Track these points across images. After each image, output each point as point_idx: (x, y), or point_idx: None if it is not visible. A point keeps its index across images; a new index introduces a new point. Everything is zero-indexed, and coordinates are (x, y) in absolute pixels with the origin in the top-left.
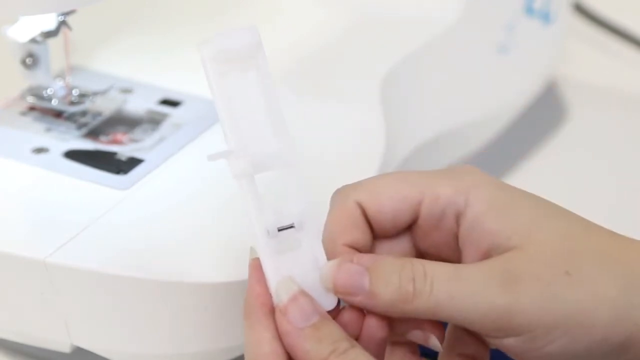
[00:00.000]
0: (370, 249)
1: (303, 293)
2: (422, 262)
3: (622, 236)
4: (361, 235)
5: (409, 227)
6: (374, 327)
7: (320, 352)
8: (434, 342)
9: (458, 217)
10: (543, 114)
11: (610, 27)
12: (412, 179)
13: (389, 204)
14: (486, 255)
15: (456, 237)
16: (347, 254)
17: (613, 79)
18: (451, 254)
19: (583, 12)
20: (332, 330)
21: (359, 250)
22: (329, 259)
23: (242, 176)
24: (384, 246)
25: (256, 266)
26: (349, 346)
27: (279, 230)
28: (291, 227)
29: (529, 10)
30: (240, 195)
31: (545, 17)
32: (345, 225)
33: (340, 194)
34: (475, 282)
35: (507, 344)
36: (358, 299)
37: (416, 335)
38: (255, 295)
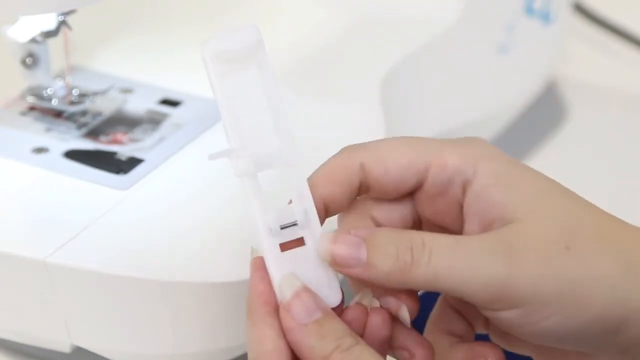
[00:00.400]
0: (343, 209)
1: (306, 289)
2: (420, 234)
3: (621, 220)
4: (340, 192)
5: (412, 194)
6: (377, 326)
7: (324, 348)
8: (404, 314)
9: (465, 187)
10: (543, 114)
11: (610, 27)
12: (420, 144)
13: (395, 167)
14: (489, 226)
15: (460, 206)
16: (344, 228)
17: (613, 79)
18: (452, 223)
19: (583, 12)
20: (336, 326)
21: (332, 207)
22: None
23: (244, 175)
24: (383, 209)
25: (258, 265)
26: (353, 342)
27: (282, 227)
28: (294, 224)
29: (529, 10)
30: (242, 194)
31: (545, 17)
32: (330, 178)
33: (345, 150)
34: (475, 253)
35: (504, 317)
36: (355, 271)
37: (389, 303)
38: (258, 294)
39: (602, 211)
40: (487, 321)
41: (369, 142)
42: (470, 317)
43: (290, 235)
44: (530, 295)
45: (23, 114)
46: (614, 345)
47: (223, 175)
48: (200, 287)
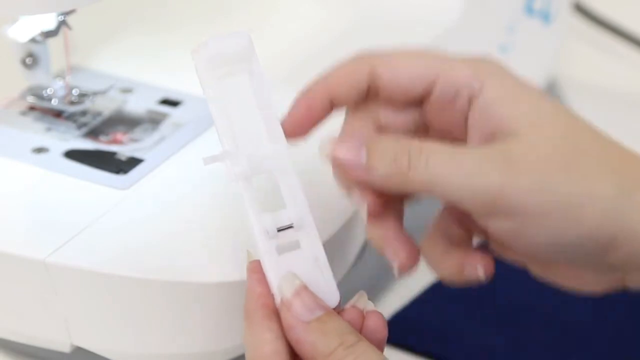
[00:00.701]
0: (348, 104)
1: (306, 288)
2: (419, 141)
3: (624, 146)
4: (346, 89)
5: (419, 103)
6: (374, 328)
7: (327, 344)
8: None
9: (471, 99)
10: None
11: (610, 27)
12: (432, 56)
13: (405, 75)
14: (491, 138)
15: (466, 117)
16: (348, 129)
17: (613, 79)
18: (457, 134)
19: (583, 12)
20: (339, 323)
21: (336, 102)
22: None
23: (239, 178)
24: (389, 114)
25: (255, 268)
26: (356, 340)
27: (278, 230)
28: (290, 227)
29: (529, 10)
30: (239, 197)
31: (545, 17)
32: (339, 75)
33: (358, 54)
34: (472, 162)
35: (498, 227)
36: (355, 173)
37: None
38: (256, 297)
39: (606, 136)
40: (485, 230)
41: (382, 50)
42: (470, 226)
43: (286, 238)
44: (523, 206)
45: (23, 113)
46: (605, 263)
47: (223, 175)
48: (200, 287)
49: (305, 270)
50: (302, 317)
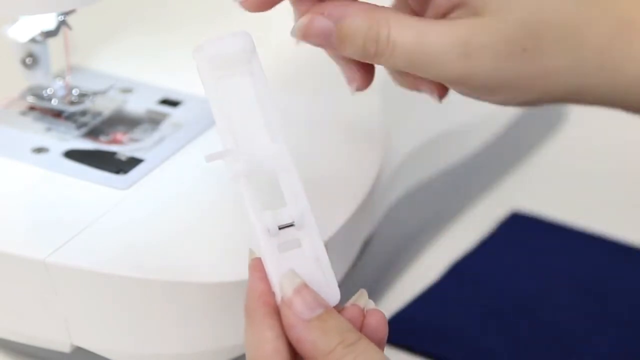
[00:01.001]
0: None
1: (307, 286)
2: (388, 25)
3: (595, 14)
4: None
5: None
6: (375, 327)
7: (327, 343)
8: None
9: None
10: (543, 114)
11: None
12: None
13: None
14: (454, 8)
15: None
16: (317, 7)
17: None
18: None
19: None
20: (339, 321)
21: None
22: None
23: (241, 176)
24: None
25: (256, 266)
26: (357, 338)
27: (280, 228)
28: (291, 225)
29: None
30: (240, 196)
31: None
32: None
33: None
34: (435, 52)
35: (466, 94)
36: (326, 45)
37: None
38: (257, 295)
39: (577, 7)
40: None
41: None
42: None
43: (288, 236)
44: (484, 85)
45: (23, 113)
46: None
47: (223, 175)
48: (200, 287)
49: (306, 269)
50: (302, 315)
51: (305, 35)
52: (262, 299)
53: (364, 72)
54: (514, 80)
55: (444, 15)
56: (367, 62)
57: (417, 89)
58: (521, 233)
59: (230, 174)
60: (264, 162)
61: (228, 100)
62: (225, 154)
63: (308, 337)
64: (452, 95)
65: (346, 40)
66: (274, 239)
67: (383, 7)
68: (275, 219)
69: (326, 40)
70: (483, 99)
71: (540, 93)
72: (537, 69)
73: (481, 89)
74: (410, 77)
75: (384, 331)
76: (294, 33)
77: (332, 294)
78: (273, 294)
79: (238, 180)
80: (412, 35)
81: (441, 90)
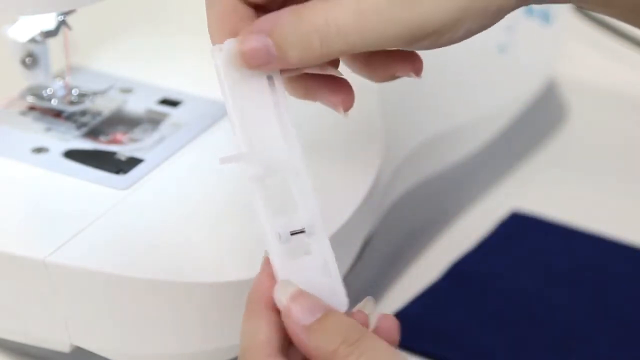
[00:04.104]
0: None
1: (302, 292)
2: (319, 11)
3: None
4: (242, 18)
5: None
6: (385, 332)
7: (329, 343)
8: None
9: None
10: (543, 114)
11: (610, 27)
12: None
13: None
14: None
15: None
16: (246, 27)
17: (613, 79)
18: None
19: (583, 12)
20: (340, 320)
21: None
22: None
23: (253, 180)
24: None
25: (269, 264)
26: (360, 335)
27: (292, 234)
28: (302, 231)
29: (529, 10)
30: (251, 199)
31: (545, 17)
32: (224, 16)
33: None
34: (379, 16)
35: (424, 45)
36: (273, 66)
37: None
38: (262, 288)
39: None
40: None
41: None
42: None
43: (298, 242)
44: (436, 28)
45: (23, 113)
46: None
47: (223, 175)
48: (200, 287)
49: (315, 276)
50: (302, 320)
51: (246, 59)
52: (266, 294)
53: (340, 89)
54: (468, 12)
55: None
56: (317, 61)
57: (313, 99)
58: (521, 233)
59: (245, 176)
60: (278, 167)
61: (245, 102)
62: (238, 158)
63: (310, 342)
64: (452, 95)
65: (284, 44)
66: (284, 245)
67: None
68: (287, 225)
69: (268, 57)
70: (442, 45)
71: (497, 12)
72: (489, 3)
73: (441, 30)
74: (305, 85)
75: (396, 335)
76: (235, 62)
77: (341, 302)
78: None
79: (251, 183)
80: (347, 6)
81: (347, 102)
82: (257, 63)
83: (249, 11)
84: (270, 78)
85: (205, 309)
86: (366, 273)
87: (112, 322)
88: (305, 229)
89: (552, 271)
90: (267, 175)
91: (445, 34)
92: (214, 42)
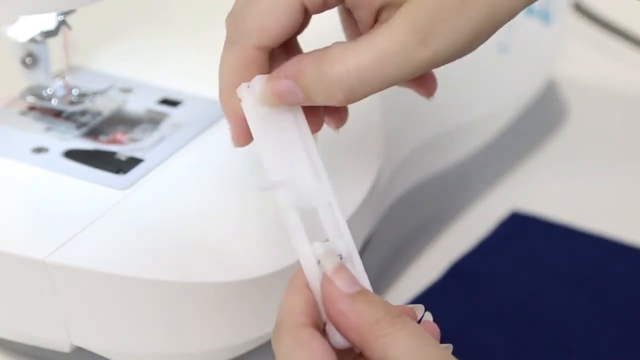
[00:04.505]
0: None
1: (345, 266)
2: (337, 59)
3: None
4: (259, 68)
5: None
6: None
7: (374, 312)
8: None
9: None
10: (543, 114)
11: (610, 27)
12: None
13: (280, 20)
14: (380, 11)
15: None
16: (274, 73)
17: (613, 79)
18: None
19: (583, 12)
20: (380, 298)
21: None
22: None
23: (291, 208)
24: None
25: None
26: (400, 312)
27: None
28: (339, 257)
29: (529, 10)
30: (288, 228)
31: (545, 17)
32: (241, 70)
33: (230, 37)
34: (398, 57)
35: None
36: (305, 103)
37: None
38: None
39: None
40: None
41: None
42: None
43: None
44: (453, 55)
45: (23, 113)
46: None
47: (222, 175)
48: (199, 287)
49: None
50: (345, 289)
51: (278, 99)
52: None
53: (336, 110)
54: (474, 29)
55: (374, 22)
56: (343, 103)
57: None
58: (521, 233)
59: (282, 205)
60: (309, 196)
61: (273, 136)
62: (275, 186)
63: (354, 308)
64: (452, 95)
65: (310, 91)
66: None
67: (330, 45)
68: (326, 251)
69: (295, 98)
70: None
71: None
72: (480, 16)
73: (454, 57)
74: None
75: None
76: (267, 101)
77: None
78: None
79: (287, 212)
80: (365, 52)
81: (339, 122)
82: (288, 101)
83: (265, 60)
84: (294, 113)
85: (205, 309)
86: (367, 272)
87: (112, 322)
88: (343, 256)
89: (552, 271)
90: (301, 203)
91: (461, 56)
92: (224, 85)
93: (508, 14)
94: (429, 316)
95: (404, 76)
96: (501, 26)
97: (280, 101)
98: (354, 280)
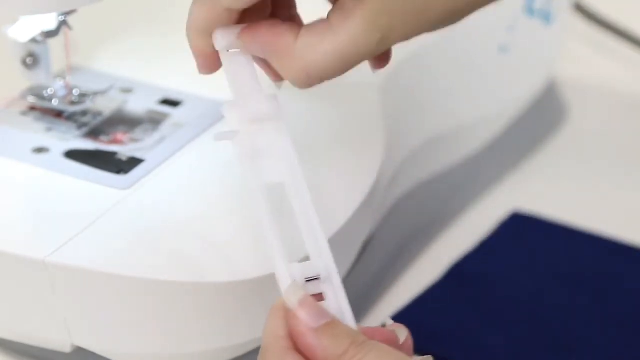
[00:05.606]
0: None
1: (311, 298)
2: (299, 61)
3: None
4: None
5: None
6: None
7: (338, 345)
8: None
9: None
10: (543, 114)
11: (610, 27)
12: None
13: None
14: None
15: None
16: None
17: (613, 79)
18: None
19: (583, 12)
20: (348, 327)
21: None
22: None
23: (269, 228)
24: None
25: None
26: (366, 339)
27: (307, 280)
28: (317, 278)
29: (529, 10)
30: (267, 247)
31: (546, 17)
32: (208, 28)
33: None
34: (356, 53)
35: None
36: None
37: None
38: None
39: None
40: None
41: None
42: None
43: (313, 289)
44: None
45: (23, 114)
46: None
47: (223, 175)
48: (200, 287)
49: None
50: (311, 324)
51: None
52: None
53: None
54: (435, 17)
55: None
56: (303, 87)
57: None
58: (521, 233)
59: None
60: (261, 117)
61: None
62: (231, 108)
63: (319, 343)
64: (453, 95)
65: (275, 67)
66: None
67: (300, 32)
68: (303, 271)
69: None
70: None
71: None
72: None
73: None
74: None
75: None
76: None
77: None
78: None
79: (266, 229)
80: (325, 54)
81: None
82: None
83: (235, 19)
84: (279, 132)
85: (205, 309)
86: (367, 273)
87: (112, 322)
88: (321, 276)
89: (552, 271)
90: (252, 122)
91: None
92: (193, 39)
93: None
94: (402, 334)
95: (358, 64)
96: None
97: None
98: (319, 313)
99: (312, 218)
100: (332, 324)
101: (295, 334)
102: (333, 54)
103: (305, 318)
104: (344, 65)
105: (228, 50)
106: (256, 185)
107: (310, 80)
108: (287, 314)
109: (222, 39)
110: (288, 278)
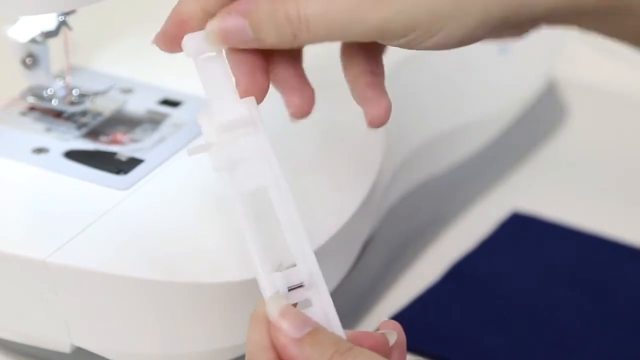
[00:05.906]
0: None
1: (292, 307)
2: (295, 2)
3: None
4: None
5: None
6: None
7: (322, 353)
8: None
9: None
10: (543, 114)
11: None
12: None
13: None
14: None
15: None
16: (223, 9)
17: (613, 79)
18: None
19: None
20: (330, 335)
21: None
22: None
23: (254, 242)
24: None
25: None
26: (351, 345)
27: (289, 289)
28: (300, 286)
29: None
30: (249, 258)
31: None
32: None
33: None
34: (348, 9)
35: (397, 44)
36: (250, 44)
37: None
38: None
39: None
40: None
41: None
42: (373, 49)
43: (297, 297)
44: (407, 27)
45: (23, 114)
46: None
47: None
48: (200, 287)
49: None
50: (293, 334)
51: (223, 38)
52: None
53: (301, 93)
54: (439, 9)
55: None
56: (290, 47)
57: (277, 89)
58: (521, 233)
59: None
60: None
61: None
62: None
63: (302, 353)
64: (453, 95)
65: (260, 30)
66: (284, 301)
67: None
68: (285, 280)
69: (243, 37)
70: (421, 47)
71: (477, 18)
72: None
73: (409, 32)
74: (277, 71)
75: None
76: (211, 39)
77: None
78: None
79: (247, 239)
80: (318, 2)
81: (299, 109)
82: (233, 41)
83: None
84: (258, 134)
85: (205, 309)
86: (367, 273)
87: (112, 322)
88: (304, 283)
89: (552, 271)
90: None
91: (417, 37)
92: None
93: None
94: (392, 338)
95: (353, 34)
96: (470, 26)
97: (228, 39)
98: (302, 322)
99: (296, 223)
100: (314, 333)
101: (278, 346)
102: (325, 6)
103: (287, 328)
104: (336, 22)
105: (200, 56)
106: (235, 196)
107: (300, 35)
108: (270, 326)
109: (192, 45)
110: (270, 289)
